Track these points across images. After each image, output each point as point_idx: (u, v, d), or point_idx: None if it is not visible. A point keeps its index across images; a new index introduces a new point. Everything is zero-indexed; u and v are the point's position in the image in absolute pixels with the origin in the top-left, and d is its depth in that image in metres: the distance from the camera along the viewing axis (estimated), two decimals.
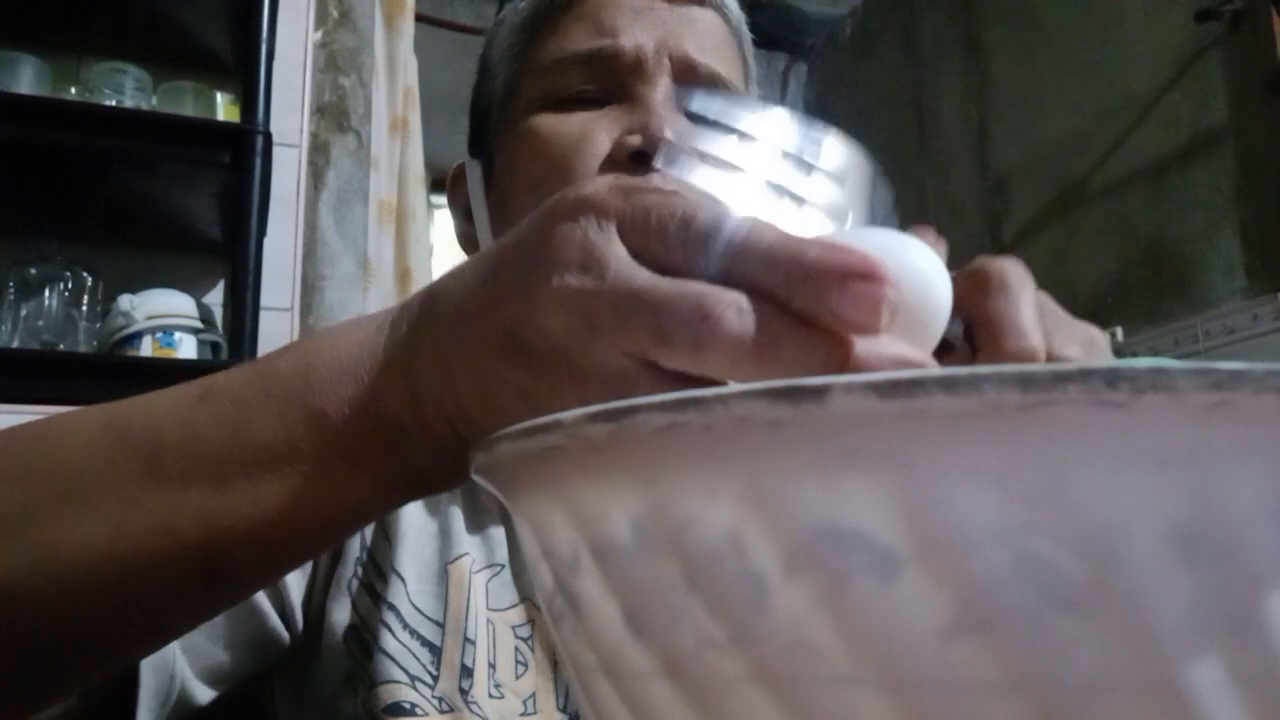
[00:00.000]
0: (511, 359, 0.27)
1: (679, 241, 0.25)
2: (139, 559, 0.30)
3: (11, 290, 1.44)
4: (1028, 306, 0.32)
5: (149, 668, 0.46)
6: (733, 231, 0.25)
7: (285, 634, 0.54)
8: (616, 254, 0.26)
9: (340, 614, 0.54)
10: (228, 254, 1.51)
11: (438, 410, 0.29)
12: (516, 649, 0.55)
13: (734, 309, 0.24)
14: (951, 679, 0.15)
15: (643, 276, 0.25)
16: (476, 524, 0.58)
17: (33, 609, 0.30)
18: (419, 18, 2.01)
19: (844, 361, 0.23)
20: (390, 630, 0.53)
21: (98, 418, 0.32)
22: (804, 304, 0.23)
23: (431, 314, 0.30)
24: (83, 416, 0.33)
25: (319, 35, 1.76)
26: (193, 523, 0.30)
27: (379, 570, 0.55)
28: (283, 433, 0.30)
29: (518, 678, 0.54)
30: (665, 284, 0.25)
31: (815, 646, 0.15)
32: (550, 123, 0.55)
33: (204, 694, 0.50)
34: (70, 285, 1.47)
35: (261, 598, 0.52)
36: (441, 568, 0.56)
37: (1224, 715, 0.14)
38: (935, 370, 0.14)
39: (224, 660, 0.51)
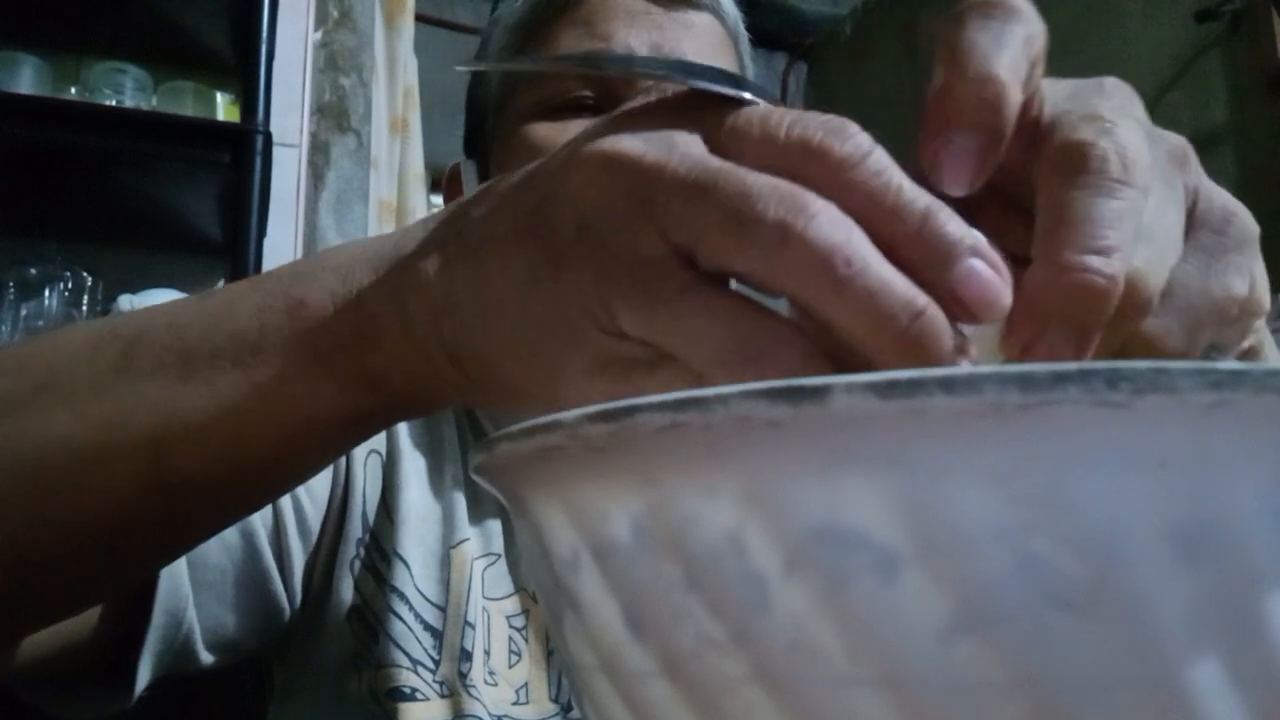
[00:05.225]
0: (526, 238, 0.24)
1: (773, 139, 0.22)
2: (91, 450, 0.29)
3: (11, 290, 1.44)
4: (1132, 218, 0.22)
5: (162, 610, 0.46)
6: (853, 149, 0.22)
7: (286, 605, 0.53)
8: (687, 138, 0.23)
9: (343, 593, 0.54)
10: (228, 254, 1.50)
11: (421, 302, 0.27)
12: (510, 639, 0.55)
13: (828, 213, 0.21)
14: (951, 679, 0.15)
15: (720, 161, 0.22)
16: (476, 514, 0.58)
17: None
18: (419, 18, 2.00)
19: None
20: (396, 615, 0.53)
21: (107, 321, 0.32)
22: (936, 287, 0.21)
23: (451, 212, 0.28)
24: (99, 321, 0.32)
25: (319, 35, 1.77)
26: (146, 412, 0.29)
27: (382, 552, 0.55)
28: (257, 321, 0.29)
29: (511, 667, 0.55)
30: (752, 173, 0.22)
31: (815, 646, 0.15)
32: (544, 132, 0.54)
33: (205, 655, 0.50)
34: (70, 285, 1.47)
35: (269, 562, 0.52)
36: (444, 552, 0.55)
37: (1224, 715, 0.14)
38: (934, 371, 0.14)
39: (229, 622, 0.51)
